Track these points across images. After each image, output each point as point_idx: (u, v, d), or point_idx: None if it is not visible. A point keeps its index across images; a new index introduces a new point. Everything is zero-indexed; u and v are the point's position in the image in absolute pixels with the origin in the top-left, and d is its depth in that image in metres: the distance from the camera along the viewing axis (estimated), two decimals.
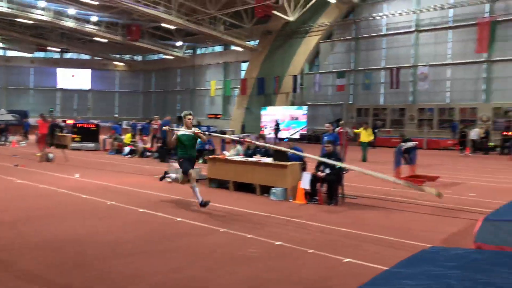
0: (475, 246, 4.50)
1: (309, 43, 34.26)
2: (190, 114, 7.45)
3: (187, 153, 7.42)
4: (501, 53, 26.38)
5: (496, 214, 5.33)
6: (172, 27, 35.92)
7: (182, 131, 7.43)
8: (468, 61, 27.64)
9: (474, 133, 23.08)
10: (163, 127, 9.99)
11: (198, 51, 46.86)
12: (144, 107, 51.90)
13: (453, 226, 6.33)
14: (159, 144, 16.97)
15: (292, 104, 34.87)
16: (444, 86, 29.03)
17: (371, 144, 19.69)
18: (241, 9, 32.64)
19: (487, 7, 27.10)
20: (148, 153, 17.11)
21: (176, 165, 11.03)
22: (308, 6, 31.08)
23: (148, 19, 33.74)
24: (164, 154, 15.33)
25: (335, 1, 30.62)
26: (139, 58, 53.23)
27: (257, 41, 38.06)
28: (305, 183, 8.11)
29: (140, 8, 29.23)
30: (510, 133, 22.76)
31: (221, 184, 9.55)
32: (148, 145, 18.23)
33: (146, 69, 52.57)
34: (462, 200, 8.68)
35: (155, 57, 50.61)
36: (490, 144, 23.53)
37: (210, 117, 42.66)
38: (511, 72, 26.35)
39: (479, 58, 27.11)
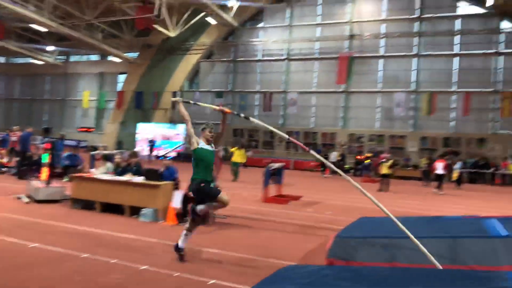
0: (327, 262, 4.94)
1: (190, 60, 34.51)
2: (212, 129, 5.95)
3: (206, 176, 5.73)
4: (356, 85, 30.00)
5: (345, 231, 5.99)
6: (43, 30, 32.61)
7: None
8: (330, 90, 30.77)
9: (333, 156, 25.56)
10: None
11: (72, 58, 43.31)
12: (5, 116, 45.69)
13: (311, 243, 6.93)
14: (17, 159, 15.26)
15: (171, 120, 34.49)
16: (310, 112, 31.78)
17: (243, 164, 20.77)
18: (121, 19, 31.44)
19: (346, 43, 30.74)
20: (4, 169, 15.38)
21: (36, 183, 10.01)
22: (189, 24, 31.40)
23: (16, 17, 30.04)
24: (23, 171, 13.85)
25: (215, 23, 31.52)
26: (1, 60, 47.06)
27: (137, 53, 36.96)
28: (176, 202, 8.12)
29: (2, 2, 25.79)
30: (362, 157, 25.81)
31: (86, 205, 8.94)
32: (5, 160, 16.29)
33: (9, 73, 46.51)
34: (320, 218, 9.59)
35: (21, 60, 45.24)
36: (346, 166, 26.37)
37: (81, 131, 39.64)
38: (364, 103, 30.18)
39: (339, 88, 30.37)
